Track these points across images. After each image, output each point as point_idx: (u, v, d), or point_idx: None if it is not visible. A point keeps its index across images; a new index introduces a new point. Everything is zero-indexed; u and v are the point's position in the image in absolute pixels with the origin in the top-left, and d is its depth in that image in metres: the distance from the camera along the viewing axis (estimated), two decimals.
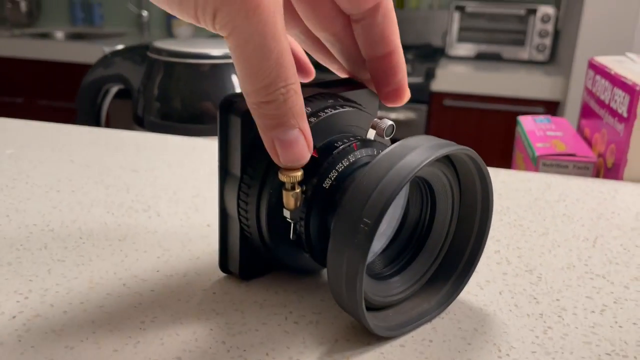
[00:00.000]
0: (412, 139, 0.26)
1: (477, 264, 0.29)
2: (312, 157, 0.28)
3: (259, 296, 0.30)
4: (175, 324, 0.28)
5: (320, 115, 0.29)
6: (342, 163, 0.28)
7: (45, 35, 2.34)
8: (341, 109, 0.29)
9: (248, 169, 0.28)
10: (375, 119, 0.29)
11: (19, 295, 0.30)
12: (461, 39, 2.10)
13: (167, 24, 2.41)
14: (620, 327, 0.29)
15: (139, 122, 0.68)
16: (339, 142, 0.29)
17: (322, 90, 0.31)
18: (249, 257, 0.31)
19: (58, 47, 2.14)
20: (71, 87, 1.53)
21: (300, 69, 0.33)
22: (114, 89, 0.72)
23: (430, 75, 1.85)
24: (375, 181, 0.24)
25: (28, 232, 0.36)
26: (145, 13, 2.40)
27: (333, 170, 0.27)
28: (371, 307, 0.28)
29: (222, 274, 0.32)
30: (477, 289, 0.31)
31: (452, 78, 1.88)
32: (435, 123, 1.89)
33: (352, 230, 0.24)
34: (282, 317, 0.29)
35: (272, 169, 0.27)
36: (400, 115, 1.85)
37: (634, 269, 0.34)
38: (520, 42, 2.06)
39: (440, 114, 1.89)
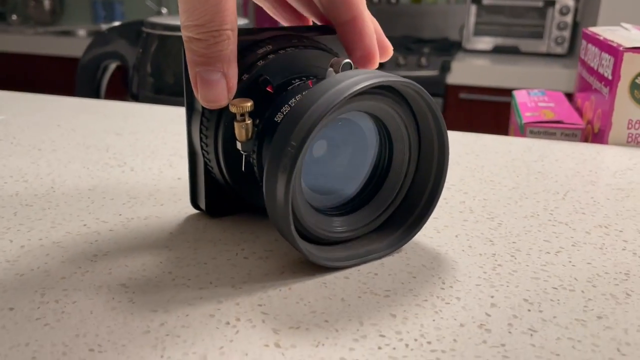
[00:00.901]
0: (353, 71, 0.26)
1: (433, 209, 0.29)
2: (267, 92, 0.28)
3: (215, 235, 0.31)
4: (127, 257, 0.28)
5: (280, 53, 0.29)
6: (295, 98, 0.28)
7: (67, 33, 2.39)
8: (303, 49, 0.30)
9: None
10: (334, 58, 0.29)
11: None
12: (478, 32, 2.08)
13: None
14: (573, 265, 0.28)
15: (135, 99, 0.69)
16: (296, 80, 0.29)
17: (290, 32, 0.31)
18: (215, 194, 0.32)
19: (80, 44, 2.19)
20: None
21: (380, 45, 0.32)
22: (112, 66, 0.74)
23: (445, 68, 1.84)
24: (306, 106, 0.24)
25: (2, 182, 0.37)
26: (164, 10, 2.44)
27: (285, 105, 0.28)
28: (318, 242, 0.28)
29: (182, 218, 0.32)
30: (433, 232, 0.31)
31: (468, 71, 1.86)
32: (451, 116, 1.87)
33: (280, 154, 0.24)
34: (233, 253, 0.29)
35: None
36: None
37: (599, 218, 0.34)
38: (539, 35, 2.04)
39: (456, 107, 1.88)
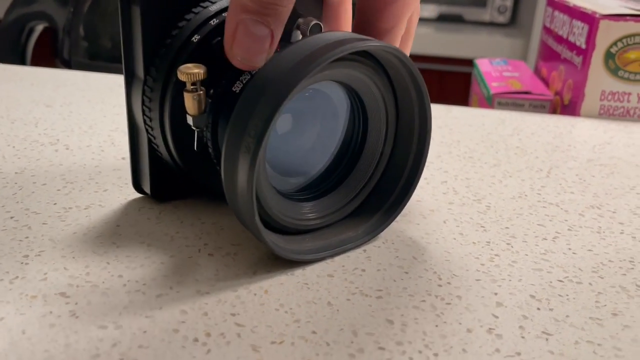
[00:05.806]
0: (326, 34, 0.22)
1: (412, 192, 0.26)
2: (223, 57, 0.24)
3: (171, 228, 0.26)
4: (66, 258, 0.24)
5: None
6: None
7: None
8: None
9: (151, 69, 0.24)
10: (300, 19, 0.25)
11: None
12: None
13: None
14: (574, 253, 0.26)
15: (66, 65, 0.62)
16: None
17: None
18: (162, 175, 0.27)
19: None
20: None
21: None
22: (39, 28, 0.66)
23: None
24: (273, 75, 0.20)
25: None
26: None
27: (245, 73, 0.23)
28: (285, 231, 0.24)
29: (130, 207, 0.28)
30: (419, 218, 0.28)
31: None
32: None
33: (242, 132, 0.20)
34: (194, 249, 0.25)
35: (176, 68, 0.23)
36: None
37: (589, 198, 0.31)
38: (482, 4, 2.03)
39: None
